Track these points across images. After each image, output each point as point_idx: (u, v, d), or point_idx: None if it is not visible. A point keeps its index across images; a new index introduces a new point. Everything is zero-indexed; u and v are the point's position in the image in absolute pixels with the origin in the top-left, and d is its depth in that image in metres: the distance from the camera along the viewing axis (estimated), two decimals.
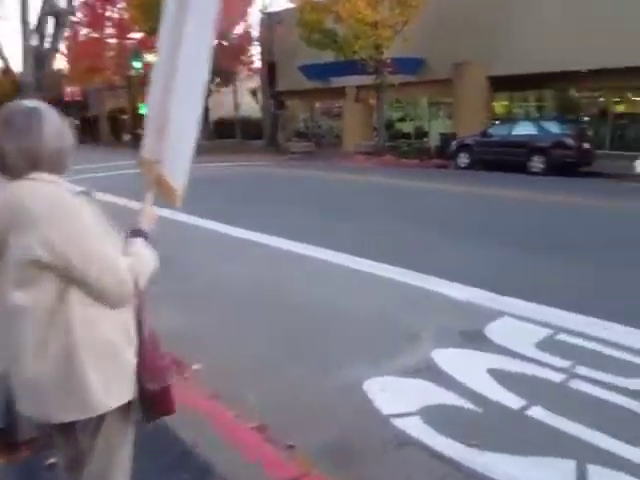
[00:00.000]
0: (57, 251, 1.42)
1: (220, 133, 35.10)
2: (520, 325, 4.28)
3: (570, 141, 15.96)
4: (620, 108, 20.41)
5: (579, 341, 3.93)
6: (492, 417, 3.01)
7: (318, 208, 10.30)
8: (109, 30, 37.28)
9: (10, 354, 1.52)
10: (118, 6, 34.88)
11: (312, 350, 3.92)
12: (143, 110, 41.33)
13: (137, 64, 34.52)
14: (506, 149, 16.84)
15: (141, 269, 1.58)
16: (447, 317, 4.49)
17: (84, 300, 1.50)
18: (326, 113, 31.84)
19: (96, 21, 35.19)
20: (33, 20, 23.69)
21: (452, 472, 2.55)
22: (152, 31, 32.36)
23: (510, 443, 2.76)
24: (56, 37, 24.67)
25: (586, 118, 20.43)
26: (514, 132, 17.16)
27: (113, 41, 37.55)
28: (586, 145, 16.44)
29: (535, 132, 16.66)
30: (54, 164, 1.53)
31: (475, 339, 3.99)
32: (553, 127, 16.67)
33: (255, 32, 31.44)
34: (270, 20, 28.18)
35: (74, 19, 34.53)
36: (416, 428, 2.90)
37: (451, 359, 3.66)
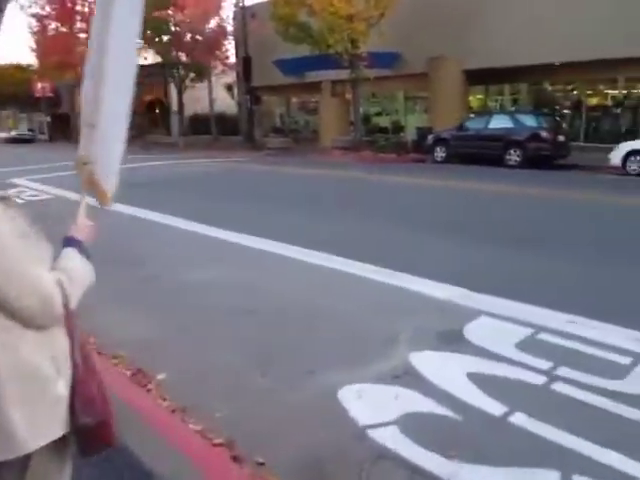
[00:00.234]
0: None
1: (195, 129, 34.63)
2: (499, 324, 4.14)
3: (545, 134, 16.02)
4: (593, 101, 20.59)
5: (561, 340, 3.80)
6: (472, 425, 2.86)
7: (293, 206, 10.11)
8: (79, 24, 36.47)
9: None
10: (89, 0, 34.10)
11: (284, 357, 3.73)
12: None
13: None
14: (482, 142, 16.86)
15: (72, 284, 1.38)
16: (424, 317, 4.33)
17: (4, 323, 1.29)
18: (302, 108, 31.63)
19: (65, 15, 34.35)
20: None
21: None
22: None
23: (491, 453, 2.61)
24: None
25: (564, 111, 20.57)
26: (490, 126, 17.18)
27: (84, 36, 36.77)
28: (561, 138, 16.53)
29: (511, 125, 16.69)
30: None
31: (453, 341, 3.85)
32: (529, 120, 16.73)
33: (229, 26, 31.02)
34: (244, 14, 27.79)
35: (42, 12, 33.67)
36: (393, 439, 2.73)
37: (429, 363, 3.50)
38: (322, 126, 27.20)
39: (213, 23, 30.62)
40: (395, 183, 13.42)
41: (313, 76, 25.37)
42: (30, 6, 34.39)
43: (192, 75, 31.82)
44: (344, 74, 22.37)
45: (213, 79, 31.52)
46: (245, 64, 27.57)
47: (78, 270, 1.43)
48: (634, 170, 14.00)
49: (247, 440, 2.72)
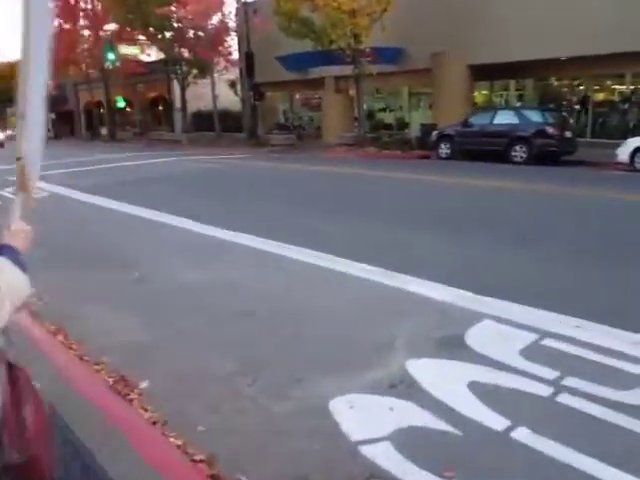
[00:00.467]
0: None
1: (198, 126, 34.43)
2: (503, 329, 3.93)
3: (552, 130, 15.73)
4: (600, 96, 20.26)
5: (567, 347, 3.59)
6: (472, 441, 2.66)
7: (296, 203, 9.91)
8: (83, 21, 36.37)
9: None
10: None
11: (273, 363, 3.53)
12: (120, 103, 40.48)
13: (111, 56, 33.69)
14: (487, 139, 16.58)
15: (1, 298, 1.19)
16: (423, 321, 4.13)
17: None
18: (306, 104, 31.38)
19: (69, 12, 34.23)
20: None
21: None
22: (126, 22, 31.61)
23: (491, 473, 2.42)
24: None
25: (571, 106, 20.26)
26: (495, 121, 16.89)
27: (87, 33, 36.64)
28: (568, 134, 16.25)
29: (516, 121, 16.40)
30: None
31: (454, 347, 3.64)
32: (534, 116, 16.43)
33: (232, 22, 30.78)
34: (246, 10, 27.55)
35: None
36: (386, 456, 2.54)
37: (428, 372, 3.30)
38: (326, 122, 26.93)
39: (215, 19, 30.40)
40: (399, 180, 13.19)
41: (316, 72, 25.13)
42: None
43: (195, 72, 31.63)
44: (347, 70, 22.11)
45: (216, 75, 31.27)
46: (248, 60, 27.31)
47: (9, 282, 1.24)
48: None
49: (230, 456, 2.54)
